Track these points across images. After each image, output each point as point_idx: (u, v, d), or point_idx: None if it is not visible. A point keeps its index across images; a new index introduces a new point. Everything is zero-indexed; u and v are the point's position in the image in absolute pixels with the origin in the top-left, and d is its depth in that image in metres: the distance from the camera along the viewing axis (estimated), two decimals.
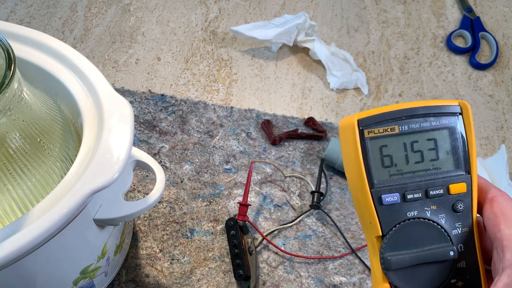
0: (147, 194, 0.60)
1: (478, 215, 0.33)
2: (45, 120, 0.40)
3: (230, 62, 0.75)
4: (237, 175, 0.62)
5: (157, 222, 0.57)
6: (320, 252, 0.57)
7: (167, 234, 0.56)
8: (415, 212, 0.32)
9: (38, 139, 0.39)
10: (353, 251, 0.57)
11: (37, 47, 0.45)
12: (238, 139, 0.65)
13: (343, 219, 0.59)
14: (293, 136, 0.66)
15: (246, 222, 0.56)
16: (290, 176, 0.63)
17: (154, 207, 0.58)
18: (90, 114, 0.42)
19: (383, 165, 0.32)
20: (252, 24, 0.75)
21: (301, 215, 0.59)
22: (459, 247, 0.32)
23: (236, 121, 0.67)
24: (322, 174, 0.62)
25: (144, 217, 0.58)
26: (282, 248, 0.56)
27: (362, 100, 0.72)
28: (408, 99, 0.72)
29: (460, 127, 0.33)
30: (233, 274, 0.54)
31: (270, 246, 0.56)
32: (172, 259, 0.55)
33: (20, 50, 0.44)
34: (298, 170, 0.63)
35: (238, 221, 0.56)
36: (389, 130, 0.32)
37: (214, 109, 0.68)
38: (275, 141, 0.64)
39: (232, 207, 0.59)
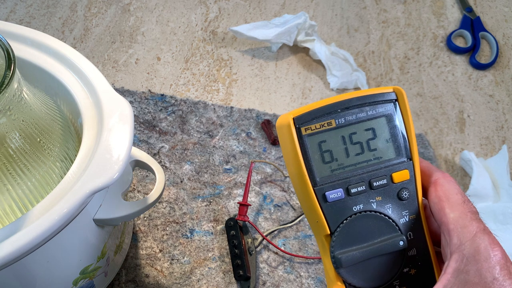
0: (147, 194, 0.60)
1: (424, 199, 0.33)
2: (45, 120, 0.40)
3: (230, 62, 0.75)
4: (237, 175, 0.62)
5: (157, 222, 0.57)
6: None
7: (167, 234, 0.56)
8: (361, 206, 0.32)
9: (38, 139, 0.39)
10: None
11: (37, 47, 0.45)
12: (238, 139, 0.65)
13: None
14: None
15: (246, 222, 0.56)
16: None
17: (154, 207, 0.58)
18: (90, 114, 0.42)
19: (323, 161, 0.31)
20: (252, 24, 0.75)
21: (301, 215, 0.59)
22: (408, 235, 0.32)
23: (236, 121, 0.67)
24: None
25: (144, 217, 0.58)
26: (282, 248, 0.56)
27: None
28: (409, 99, 0.72)
29: (397, 114, 0.32)
30: (233, 274, 0.54)
31: (270, 246, 0.56)
32: (172, 259, 0.55)
33: (20, 50, 0.44)
34: None
35: (238, 221, 0.56)
36: (325, 125, 0.31)
37: (214, 109, 0.68)
38: (275, 141, 0.64)
39: (232, 207, 0.59)
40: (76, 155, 0.40)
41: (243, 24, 0.75)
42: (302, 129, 0.31)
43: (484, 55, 0.79)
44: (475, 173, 0.61)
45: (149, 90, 0.70)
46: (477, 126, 0.70)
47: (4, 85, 0.35)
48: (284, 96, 0.71)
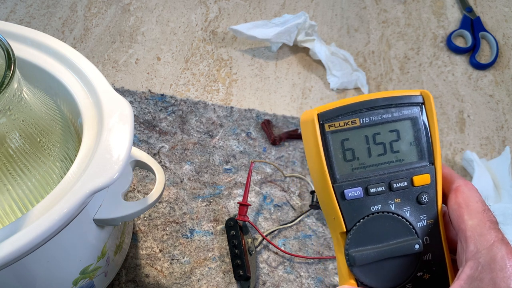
0: (147, 194, 0.60)
1: (444, 205, 0.33)
2: (45, 120, 0.40)
3: (230, 62, 0.75)
4: (237, 175, 0.62)
5: (157, 222, 0.57)
6: (320, 252, 0.57)
7: (167, 234, 0.56)
8: (379, 206, 0.31)
9: (38, 139, 0.39)
10: None
11: (37, 47, 0.45)
12: (238, 139, 0.65)
13: None
14: (293, 136, 0.66)
15: (246, 222, 0.56)
16: (290, 176, 0.63)
17: (154, 207, 0.58)
18: (90, 114, 0.42)
19: (345, 159, 0.31)
20: (252, 23, 0.74)
21: (301, 215, 0.59)
22: (424, 239, 0.32)
23: (236, 121, 0.67)
24: None
25: (144, 217, 0.58)
26: (282, 248, 0.56)
27: None
28: None
29: (422, 117, 0.32)
30: (233, 274, 0.54)
31: (270, 246, 0.56)
32: (172, 259, 0.55)
33: (20, 50, 0.44)
34: (298, 170, 0.63)
35: (238, 221, 0.56)
36: (350, 123, 0.31)
37: (214, 109, 0.68)
38: (275, 141, 0.64)
39: (232, 207, 0.59)
40: (76, 155, 0.40)
41: (243, 24, 0.75)
42: (326, 125, 0.31)
43: (484, 55, 0.79)
44: (476, 173, 0.61)
45: (149, 90, 0.70)
46: (477, 126, 0.70)
47: (4, 85, 0.35)
48: (284, 96, 0.71)
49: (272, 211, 0.59)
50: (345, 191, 0.31)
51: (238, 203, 0.57)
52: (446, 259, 0.32)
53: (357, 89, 0.73)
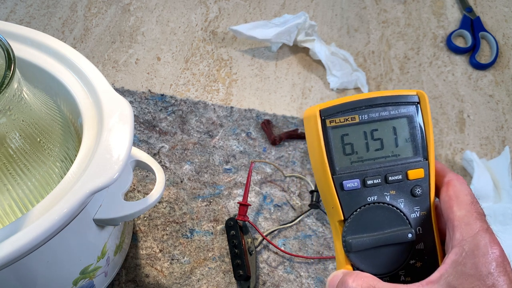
0: (147, 194, 0.60)
1: (437, 199, 0.35)
2: (45, 120, 0.40)
3: (230, 62, 0.75)
4: (237, 175, 0.62)
5: (157, 222, 0.57)
6: (320, 252, 0.57)
7: (167, 234, 0.56)
8: (375, 197, 0.33)
9: (38, 139, 0.39)
10: None
11: (37, 47, 0.45)
12: (238, 139, 0.65)
13: None
14: (293, 136, 0.66)
15: (246, 222, 0.56)
16: (290, 176, 0.63)
17: (154, 207, 0.58)
18: (90, 114, 0.42)
19: (344, 152, 0.34)
20: (252, 24, 0.74)
21: (301, 215, 0.59)
22: (417, 229, 0.34)
23: (236, 121, 0.67)
24: None
25: (144, 217, 0.58)
26: (282, 248, 0.56)
27: None
28: None
29: (418, 116, 0.34)
30: (233, 274, 0.54)
31: (270, 246, 0.56)
32: (172, 259, 0.55)
33: (20, 50, 0.44)
34: (298, 170, 0.63)
35: (238, 221, 0.56)
36: (349, 119, 0.33)
37: (214, 109, 0.68)
38: (275, 141, 0.64)
39: (232, 207, 0.59)
40: (76, 155, 0.40)
41: (243, 24, 0.75)
42: (327, 121, 0.33)
43: (484, 55, 0.79)
44: (476, 173, 0.61)
45: (149, 90, 0.70)
46: (477, 126, 0.70)
47: (4, 85, 0.35)
48: (284, 96, 0.71)
49: (272, 211, 0.59)
50: (344, 182, 0.33)
51: (238, 203, 0.57)
52: (438, 248, 0.34)
53: (357, 89, 0.73)
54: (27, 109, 0.38)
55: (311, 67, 0.75)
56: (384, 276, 0.33)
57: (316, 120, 0.33)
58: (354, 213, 0.33)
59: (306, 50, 0.77)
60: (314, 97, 0.72)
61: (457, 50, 0.79)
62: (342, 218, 0.33)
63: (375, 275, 0.31)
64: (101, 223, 0.42)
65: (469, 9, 0.84)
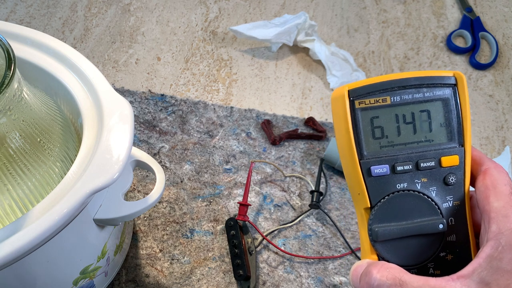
0: (147, 194, 0.60)
1: (472, 188, 0.33)
2: (45, 120, 0.40)
3: (230, 62, 0.75)
4: (237, 175, 0.62)
5: (157, 222, 0.57)
6: (320, 252, 0.57)
7: (167, 234, 0.56)
8: (405, 184, 0.32)
9: (38, 139, 0.39)
10: (353, 251, 0.56)
11: (37, 47, 0.45)
12: (238, 139, 0.65)
13: (343, 219, 0.59)
14: (293, 136, 0.66)
15: (246, 222, 0.56)
16: (290, 176, 0.63)
17: (154, 207, 0.58)
18: (90, 114, 0.42)
19: (373, 136, 0.32)
20: (252, 24, 0.75)
21: (301, 215, 0.59)
22: (449, 220, 0.32)
23: (236, 121, 0.67)
24: (322, 174, 0.62)
25: (144, 217, 0.58)
26: (282, 248, 0.56)
27: None
28: None
29: (454, 99, 0.32)
30: (233, 274, 0.54)
31: (270, 246, 0.56)
32: (172, 259, 0.55)
33: (20, 50, 0.44)
34: (298, 170, 0.63)
35: (238, 221, 0.56)
36: (380, 101, 0.32)
37: (214, 109, 0.68)
38: (275, 141, 0.64)
39: (232, 207, 0.59)
40: (76, 155, 0.40)
41: (243, 24, 0.75)
42: (356, 102, 0.31)
43: (484, 55, 0.79)
44: None
45: (149, 90, 0.70)
46: (477, 126, 0.70)
47: (4, 85, 0.35)
48: (284, 96, 0.71)
49: (272, 211, 0.59)
50: (372, 167, 0.31)
51: (238, 203, 0.57)
52: (471, 241, 0.32)
53: None
54: (27, 109, 0.38)
55: (311, 67, 0.75)
56: (412, 268, 0.32)
57: (344, 101, 0.31)
58: (382, 200, 0.31)
59: (306, 50, 0.77)
60: (314, 97, 0.72)
61: (457, 50, 0.79)
62: (369, 206, 0.32)
63: (401, 266, 0.30)
64: (101, 223, 0.42)
65: (469, 9, 0.84)
